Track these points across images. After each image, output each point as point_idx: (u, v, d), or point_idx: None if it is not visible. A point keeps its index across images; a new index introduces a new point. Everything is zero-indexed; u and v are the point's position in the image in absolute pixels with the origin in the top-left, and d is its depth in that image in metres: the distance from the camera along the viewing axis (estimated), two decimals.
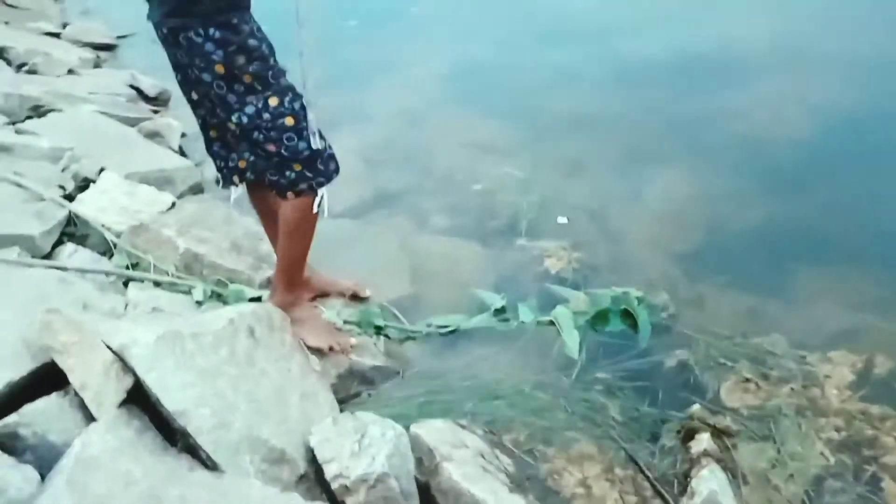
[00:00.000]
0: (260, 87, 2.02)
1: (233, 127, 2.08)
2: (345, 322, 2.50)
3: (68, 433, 1.66)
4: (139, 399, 1.78)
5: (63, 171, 3.14)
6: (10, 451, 1.61)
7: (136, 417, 1.74)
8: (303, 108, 2.07)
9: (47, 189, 2.89)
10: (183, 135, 4.00)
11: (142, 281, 2.58)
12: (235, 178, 2.28)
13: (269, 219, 2.42)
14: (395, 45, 5.07)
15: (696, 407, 2.16)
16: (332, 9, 5.39)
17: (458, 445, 1.98)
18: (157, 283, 2.58)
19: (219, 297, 2.54)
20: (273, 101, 2.03)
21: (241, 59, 1.97)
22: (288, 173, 2.10)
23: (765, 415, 2.16)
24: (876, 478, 1.96)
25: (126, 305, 2.40)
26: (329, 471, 1.81)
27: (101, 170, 3.21)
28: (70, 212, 2.82)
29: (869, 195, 3.02)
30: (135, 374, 1.76)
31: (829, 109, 3.61)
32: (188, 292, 2.56)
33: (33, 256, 2.54)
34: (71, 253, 2.62)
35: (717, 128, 3.66)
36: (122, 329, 1.85)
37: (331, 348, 2.31)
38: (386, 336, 2.53)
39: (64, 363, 1.76)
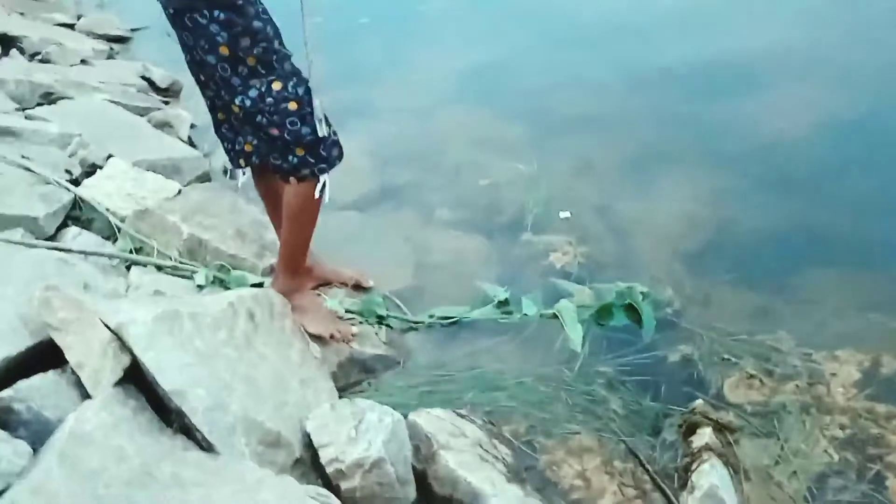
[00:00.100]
0: (264, 71, 2.01)
1: (236, 110, 2.08)
2: (347, 311, 2.49)
3: (63, 410, 1.65)
4: (137, 380, 1.77)
5: (71, 156, 3.15)
6: (4, 426, 1.59)
7: (133, 397, 1.73)
8: (307, 93, 2.05)
9: (54, 173, 2.90)
10: (192, 126, 4.01)
11: (144, 265, 2.58)
12: (242, 162, 2.28)
13: (273, 204, 2.41)
14: (406, 43, 5.06)
15: (698, 402, 2.13)
16: (345, 6, 5.39)
17: (457, 434, 1.97)
18: (159, 268, 2.58)
19: (221, 283, 2.54)
20: (276, 86, 2.02)
21: (245, 42, 1.97)
22: (291, 158, 2.09)
23: (768, 411, 2.13)
24: (880, 476, 1.92)
25: (127, 288, 2.40)
26: (325, 455, 1.80)
27: (109, 156, 3.22)
28: (76, 196, 2.83)
29: (877, 196, 2.99)
30: (132, 354, 1.75)
31: (839, 114, 3.56)
32: (190, 277, 2.56)
33: (37, 238, 2.54)
34: (75, 235, 2.63)
35: (727, 130, 3.62)
36: (122, 308, 1.84)
37: (332, 336, 2.30)
38: (388, 326, 2.52)
39: (62, 340, 1.75)
